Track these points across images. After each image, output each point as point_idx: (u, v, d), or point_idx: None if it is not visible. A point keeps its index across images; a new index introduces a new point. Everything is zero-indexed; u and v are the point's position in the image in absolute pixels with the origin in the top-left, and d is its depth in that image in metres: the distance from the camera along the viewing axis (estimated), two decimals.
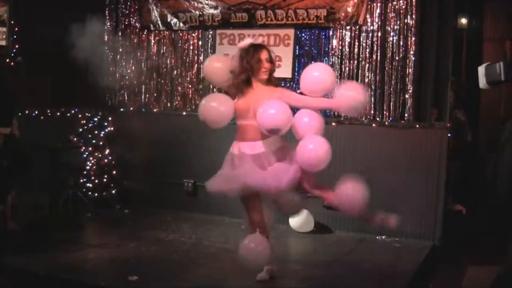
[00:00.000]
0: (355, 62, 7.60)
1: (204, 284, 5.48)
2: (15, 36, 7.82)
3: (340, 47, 7.68)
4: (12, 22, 7.81)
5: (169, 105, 8.63)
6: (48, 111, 8.19)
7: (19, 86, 6.98)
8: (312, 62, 7.79)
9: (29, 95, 7.19)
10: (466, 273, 6.68)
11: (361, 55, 7.57)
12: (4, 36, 7.92)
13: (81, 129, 8.58)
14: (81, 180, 8.45)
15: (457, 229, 7.71)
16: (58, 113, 8.34)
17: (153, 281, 5.46)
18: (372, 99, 7.51)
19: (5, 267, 5.60)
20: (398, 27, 7.37)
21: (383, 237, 7.39)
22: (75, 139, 8.42)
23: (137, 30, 8.90)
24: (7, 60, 7.62)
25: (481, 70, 5.35)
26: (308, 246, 7.21)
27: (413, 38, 7.32)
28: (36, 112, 7.91)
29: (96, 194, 8.42)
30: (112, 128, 8.73)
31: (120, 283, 5.32)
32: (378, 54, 7.48)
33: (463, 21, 9.22)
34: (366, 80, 7.53)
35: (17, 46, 7.79)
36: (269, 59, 5.53)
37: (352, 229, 7.55)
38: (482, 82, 5.31)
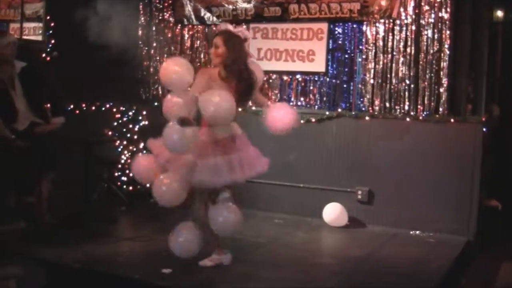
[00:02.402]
0: (389, 56, 7.55)
1: (236, 277, 5.50)
2: (51, 31, 7.90)
3: (373, 41, 7.64)
4: (48, 17, 7.88)
5: None
6: (83, 105, 8.25)
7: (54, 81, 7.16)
8: (346, 56, 7.79)
9: (64, 89, 7.25)
10: (501, 269, 6.63)
11: (395, 49, 7.53)
12: (40, 31, 8.01)
13: (115, 123, 8.66)
14: (116, 174, 8.52)
15: (492, 224, 7.64)
16: (93, 107, 8.41)
17: (186, 274, 5.47)
18: (406, 93, 7.46)
19: (40, 259, 5.66)
20: (432, 21, 7.31)
21: (417, 232, 7.35)
22: (110, 133, 8.50)
23: (171, 24, 8.95)
24: (43, 55, 7.70)
25: None
26: (341, 240, 7.21)
27: (448, 32, 7.26)
28: (72, 106, 7.97)
29: (130, 188, 8.49)
30: (146, 122, 8.79)
31: (154, 275, 5.35)
32: (412, 48, 7.43)
33: (499, 14, 9.08)
34: (400, 74, 7.48)
35: (53, 41, 7.86)
36: None
37: (386, 224, 7.52)
38: None
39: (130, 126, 8.72)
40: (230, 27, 5.60)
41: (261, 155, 5.71)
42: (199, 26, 8.72)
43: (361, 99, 7.73)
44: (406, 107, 7.48)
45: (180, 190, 5.38)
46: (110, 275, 5.43)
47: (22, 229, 6.48)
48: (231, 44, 5.38)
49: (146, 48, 9.07)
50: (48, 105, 7.03)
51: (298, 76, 8.11)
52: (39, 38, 8.04)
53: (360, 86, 7.74)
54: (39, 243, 6.09)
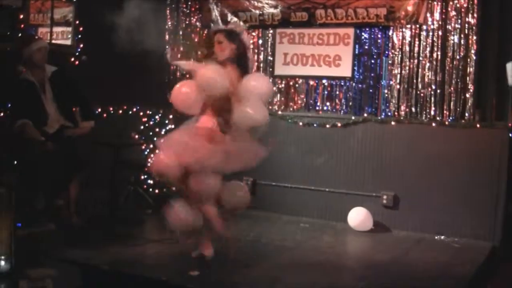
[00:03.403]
0: (415, 61, 7.57)
1: (264, 280, 5.52)
2: (79, 36, 7.99)
3: (400, 46, 7.65)
4: (77, 22, 7.98)
5: None
6: (111, 108, 8.34)
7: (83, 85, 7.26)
8: (372, 61, 7.82)
9: (92, 93, 7.34)
10: None
11: (421, 54, 7.55)
12: (69, 36, 8.10)
13: (142, 127, 8.73)
14: (142, 177, 8.59)
15: None
16: (120, 111, 8.48)
17: (213, 276, 5.52)
18: (432, 98, 7.47)
19: (69, 260, 5.73)
20: (459, 26, 7.32)
21: (442, 237, 7.35)
22: (137, 136, 8.58)
23: (198, 29, 9.02)
24: (72, 59, 7.80)
25: (510, 66, 5.25)
26: (366, 245, 7.22)
27: (474, 37, 7.27)
28: (99, 109, 8.06)
29: (156, 191, 8.56)
30: (172, 126, 8.85)
31: (182, 277, 5.40)
32: (439, 53, 7.44)
33: None
34: (426, 79, 7.50)
35: (81, 45, 7.96)
36: None
37: (411, 229, 7.54)
38: None
39: (157, 129, 8.79)
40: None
41: (257, 148, 5.74)
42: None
43: (387, 104, 7.75)
44: (432, 112, 7.50)
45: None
46: (138, 277, 5.48)
47: (52, 231, 6.58)
48: (234, 39, 5.69)
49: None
50: (77, 108, 7.14)
51: (324, 81, 8.14)
52: (68, 42, 8.13)
53: (386, 91, 7.76)
54: (68, 245, 6.17)
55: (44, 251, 5.85)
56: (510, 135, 7.16)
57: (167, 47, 9.08)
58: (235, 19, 8.58)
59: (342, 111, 8.06)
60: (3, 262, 5.26)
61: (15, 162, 6.32)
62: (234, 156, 5.58)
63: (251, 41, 8.57)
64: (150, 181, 8.58)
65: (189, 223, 5.71)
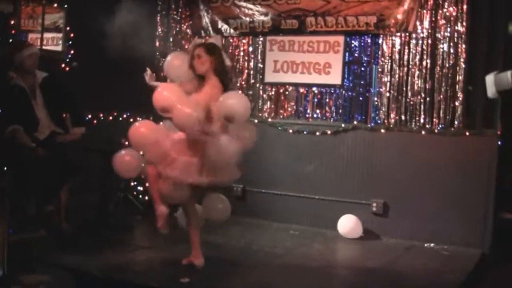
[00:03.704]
0: (405, 69, 7.61)
1: (255, 287, 5.56)
2: (70, 42, 7.99)
3: (389, 54, 7.70)
4: (68, 28, 7.98)
5: None
6: (101, 115, 8.33)
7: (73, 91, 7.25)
8: (362, 68, 7.85)
9: (83, 99, 7.33)
10: None
11: (411, 62, 7.58)
12: (60, 42, 8.10)
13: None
14: (132, 184, 8.58)
15: (507, 238, 7.64)
16: (111, 117, 8.48)
17: (204, 284, 5.53)
18: (422, 106, 7.52)
19: (61, 266, 5.72)
20: (448, 34, 7.37)
21: (432, 244, 7.38)
22: (126, 142, 8.55)
23: (188, 36, 9.02)
24: (63, 65, 7.79)
25: (490, 78, 5.33)
26: (357, 252, 7.24)
27: (464, 46, 7.31)
28: (89, 116, 8.06)
29: (146, 198, 8.54)
30: None
31: (172, 284, 5.40)
32: (428, 61, 7.48)
33: None
34: (416, 87, 7.54)
35: (72, 51, 7.95)
36: None
37: (401, 236, 7.56)
38: (491, 91, 5.29)
39: None
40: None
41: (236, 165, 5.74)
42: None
43: (377, 112, 7.78)
44: (422, 120, 7.53)
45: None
46: (129, 283, 5.47)
47: (43, 237, 6.56)
48: (213, 53, 5.74)
49: (163, 59, 9.11)
50: (68, 115, 7.13)
51: (314, 89, 8.17)
52: (59, 48, 8.12)
53: (376, 99, 7.80)
54: (59, 251, 6.16)
55: (35, 257, 5.84)
56: (499, 142, 7.21)
57: (157, 53, 9.09)
58: (225, 26, 8.60)
59: (332, 118, 8.08)
60: None
61: (6, 168, 6.30)
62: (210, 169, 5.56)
63: (242, 48, 8.63)
64: (140, 188, 8.56)
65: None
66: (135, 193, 8.48)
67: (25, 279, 5.30)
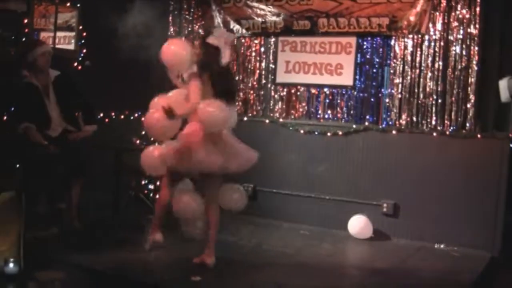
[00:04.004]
0: (417, 70, 7.61)
1: (266, 286, 5.55)
2: (82, 41, 8.03)
3: (402, 56, 7.70)
4: (80, 27, 8.02)
5: None
6: (113, 113, 8.37)
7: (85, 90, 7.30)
8: (374, 70, 7.85)
9: (95, 98, 7.37)
10: None
11: (423, 64, 7.58)
12: (72, 41, 8.14)
13: (143, 132, 8.73)
14: (143, 182, 8.61)
15: None
16: (122, 116, 8.52)
17: (215, 282, 5.55)
18: (434, 108, 7.52)
19: (71, 264, 5.74)
20: (461, 36, 7.36)
21: (442, 245, 7.38)
22: (138, 141, 8.59)
23: (200, 36, 9.02)
24: (75, 64, 7.83)
25: (503, 83, 5.32)
26: (367, 252, 7.26)
27: (476, 48, 7.31)
28: (101, 114, 8.09)
29: (157, 196, 8.55)
30: None
31: (184, 283, 5.42)
32: (440, 63, 7.48)
33: None
34: (428, 89, 7.54)
35: (84, 50, 7.99)
36: None
37: (411, 237, 7.55)
38: (505, 95, 5.28)
39: None
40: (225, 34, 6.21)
41: (249, 149, 6.08)
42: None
43: (388, 113, 7.79)
44: (433, 122, 7.53)
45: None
46: (140, 282, 5.49)
47: (55, 235, 6.60)
48: (205, 49, 5.94)
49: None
50: (80, 113, 7.18)
51: (325, 89, 8.18)
52: (70, 47, 8.17)
53: (387, 100, 7.80)
54: (71, 249, 6.18)
55: (48, 255, 5.87)
56: (511, 145, 7.21)
57: None
58: (237, 26, 8.62)
59: (343, 119, 8.08)
60: (12, 265, 5.28)
61: (19, 166, 6.35)
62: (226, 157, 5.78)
63: (253, 49, 8.64)
64: (151, 186, 8.58)
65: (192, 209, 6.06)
66: (146, 191, 8.50)
67: (41, 275, 5.34)
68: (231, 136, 6.02)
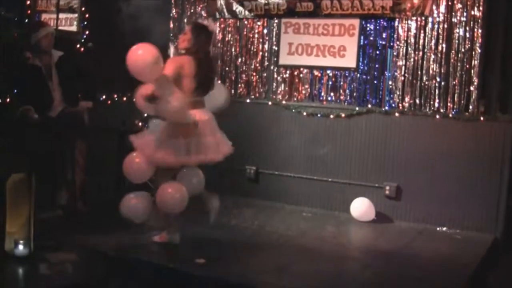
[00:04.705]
0: (420, 53, 7.58)
1: (270, 268, 5.58)
2: (85, 23, 8.00)
3: (405, 38, 7.67)
4: (83, 9, 7.99)
5: (233, 92, 8.64)
6: (115, 96, 8.35)
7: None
8: (377, 52, 7.83)
9: (97, 80, 7.37)
10: None
11: (426, 46, 7.56)
12: (74, 23, 8.11)
13: (146, 114, 8.72)
14: None
15: None
16: (124, 98, 8.49)
17: (219, 264, 5.57)
18: (437, 90, 7.50)
19: (75, 246, 5.77)
20: (464, 19, 7.33)
21: (444, 228, 7.40)
22: (140, 123, 8.58)
23: (203, 18, 9.00)
24: (78, 45, 7.81)
25: None
26: (370, 235, 7.26)
27: (480, 31, 7.28)
28: (104, 96, 8.08)
29: None
30: None
31: (188, 265, 5.44)
32: (444, 45, 7.46)
33: None
34: (431, 71, 7.52)
35: (87, 32, 7.97)
36: None
37: (413, 220, 7.59)
38: None
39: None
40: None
41: (225, 142, 6.14)
42: (230, 20, 8.76)
43: (391, 96, 7.77)
44: (436, 105, 7.52)
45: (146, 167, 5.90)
46: (145, 263, 5.53)
47: (60, 216, 6.62)
48: (196, 34, 5.92)
49: (178, 41, 9.12)
50: (82, 94, 7.18)
51: (328, 72, 8.16)
52: (73, 29, 8.14)
53: (390, 82, 7.78)
54: (75, 231, 6.21)
55: (55, 237, 5.90)
56: None
57: (171, 35, 9.10)
58: (240, 8, 8.58)
59: (346, 102, 8.07)
60: (21, 247, 5.31)
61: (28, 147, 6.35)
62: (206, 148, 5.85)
63: (256, 31, 8.61)
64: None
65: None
66: None
67: (51, 257, 5.38)
68: (211, 125, 6.03)
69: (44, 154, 6.47)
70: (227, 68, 8.82)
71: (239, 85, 8.71)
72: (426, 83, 7.57)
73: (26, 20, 7.16)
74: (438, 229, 7.42)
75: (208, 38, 6.04)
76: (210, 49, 6.26)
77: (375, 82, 7.89)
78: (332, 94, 8.15)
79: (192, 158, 5.79)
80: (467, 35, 7.33)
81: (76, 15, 8.13)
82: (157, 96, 5.48)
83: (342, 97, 8.09)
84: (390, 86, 7.78)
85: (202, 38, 5.95)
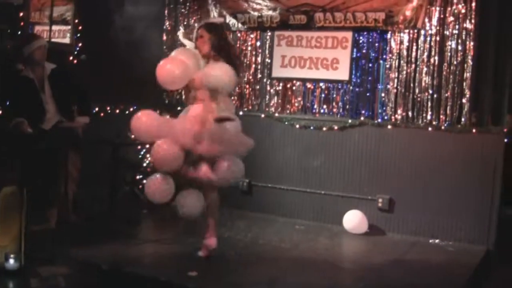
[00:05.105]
0: (413, 65, 7.61)
1: (263, 281, 5.56)
2: (78, 35, 8.00)
3: (397, 50, 7.70)
4: (76, 21, 7.99)
5: None
6: (108, 108, 8.35)
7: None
8: (370, 64, 7.85)
9: (90, 92, 7.36)
10: None
11: (418, 59, 7.59)
12: (68, 34, 8.11)
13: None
14: (138, 177, 8.59)
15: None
16: (117, 110, 8.50)
17: (212, 277, 5.55)
18: (429, 103, 7.52)
19: (67, 259, 5.74)
20: (456, 31, 7.37)
21: (437, 240, 7.41)
22: (133, 136, 8.56)
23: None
24: (71, 58, 7.81)
25: None
26: (362, 247, 7.26)
27: (472, 43, 7.31)
28: (97, 108, 8.08)
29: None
30: None
31: (180, 278, 5.42)
32: (436, 58, 7.49)
33: None
34: (423, 83, 7.54)
35: (80, 44, 7.97)
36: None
37: (406, 232, 7.59)
38: None
39: None
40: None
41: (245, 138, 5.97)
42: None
43: (384, 108, 7.80)
44: (429, 117, 7.54)
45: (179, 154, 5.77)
46: (137, 276, 5.50)
47: (53, 229, 6.60)
48: (214, 32, 5.94)
49: (171, 53, 9.13)
50: (75, 107, 7.16)
51: (321, 84, 8.18)
52: (66, 41, 8.14)
53: (383, 95, 7.80)
54: (68, 244, 6.18)
55: (47, 250, 5.87)
56: (506, 140, 7.23)
57: (164, 47, 9.10)
58: (233, 20, 8.60)
59: (339, 114, 8.08)
60: (12, 261, 5.27)
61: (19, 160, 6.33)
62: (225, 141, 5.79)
63: (249, 43, 8.63)
64: (146, 181, 8.55)
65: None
66: (140, 186, 8.47)
67: (43, 271, 5.34)
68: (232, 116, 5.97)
69: (36, 167, 6.45)
70: None
71: (232, 98, 8.70)
72: (419, 95, 7.59)
73: (19, 32, 7.15)
74: (430, 241, 7.42)
75: (224, 31, 6.07)
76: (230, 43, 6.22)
77: (368, 94, 7.91)
78: (325, 106, 8.17)
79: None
80: (459, 47, 7.36)
81: (69, 27, 8.13)
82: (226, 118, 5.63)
83: (335, 110, 8.11)
84: (383, 99, 7.81)
85: (220, 34, 5.96)
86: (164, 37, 9.20)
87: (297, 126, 8.26)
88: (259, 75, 8.57)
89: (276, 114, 8.42)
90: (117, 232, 6.84)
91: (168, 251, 6.35)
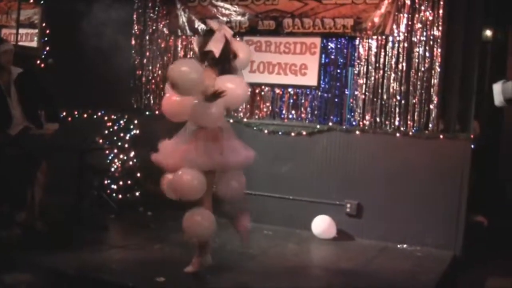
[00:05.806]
0: (381, 71, 7.65)
1: (231, 287, 5.56)
2: (45, 38, 7.94)
3: (366, 57, 7.74)
4: (44, 24, 7.93)
5: None
6: (76, 112, 8.29)
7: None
8: (338, 70, 7.88)
9: (58, 96, 7.29)
10: (486, 284, 6.72)
11: (386, 65, 7.63)
12: (35, 38, 8.05)
13: (107, 131, 8.67)
14: (106, 182, 8.54)
15: (478, 240, 7.73)
16: (85, 115, 8.44)
17: (179, 283, 5.53)
18: (397, 108, 7.57)
19: (33, 266, 5.68)
20: (424, 38, 7.42)
21: (405, 245, 7.44)
22: (101, 141, 8.52)
23: (165, 35, 9.00)
24: (38, 61, 7.74)
25: (497, 87, 5.39)
26: (331, 253, 7.25)
27: (439, 50, 7.38)
28: (64, 113, 8.01)
29: (120, 196, 8.50)
30: (137, 131, 8.81)
31: (148, 284, 5.39)
32: (404, 64, 7.53)
33: (488, 33, 9.21)
34: (391, 90, 7.59)
35: (47, 48, 7.90)
36: None
37: (374, 237, 7.60)
38: (499, 99, 5.36)
39: (122, 134, 8.72)
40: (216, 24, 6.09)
41: (247, 147, 5.90)
42: (193, 37, 8.75)
43: (352, 114, 7.82)
44: (397, 123, 7.58)
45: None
46: (104, 282, 5.46)
47: (18, 236, 6.52)
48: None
49: (139, 58, 9.11)
50: (42, 111, 7.09)
51: (290, 90, 8.19)
52: (33, 44, 8.07)
53: (351, 100, 7.83)
54: (34, 250, 6.11)
55: (12, 256, 5.80)
56: (472, 146, 7.29)
57: (132, 51, 9.05)
58: (202, 25, 8.57)
59: (307, 119, 8.10)
60: None
61: None
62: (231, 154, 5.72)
63: None
64: (114, 186, 8.52)
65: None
66: (108, 191, 8.42)
67: (6, 278, 5.27)
68: (230, 131, 5.92)
69: (2, 173, 6.38)
70: None
71: None
72: (387, 101, 7.63)
73: None
74: (399, 246, 7.46)
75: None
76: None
77: (336, 100, 7.93)
78: (293, 112, 8.18)
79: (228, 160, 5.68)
80: (427, 54, 7.42)
81: (36, 30, 8.07)
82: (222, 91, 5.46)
83: (303, 115, 8.12)
84: (351, 104, 7.84)
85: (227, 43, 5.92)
86: (133, 42, 9.14)
87: (266, 131, 8.26)
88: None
89: (245, 120, 8.40)
90: (85, 239, 6.78)
91: (136, 256, 6.30)
